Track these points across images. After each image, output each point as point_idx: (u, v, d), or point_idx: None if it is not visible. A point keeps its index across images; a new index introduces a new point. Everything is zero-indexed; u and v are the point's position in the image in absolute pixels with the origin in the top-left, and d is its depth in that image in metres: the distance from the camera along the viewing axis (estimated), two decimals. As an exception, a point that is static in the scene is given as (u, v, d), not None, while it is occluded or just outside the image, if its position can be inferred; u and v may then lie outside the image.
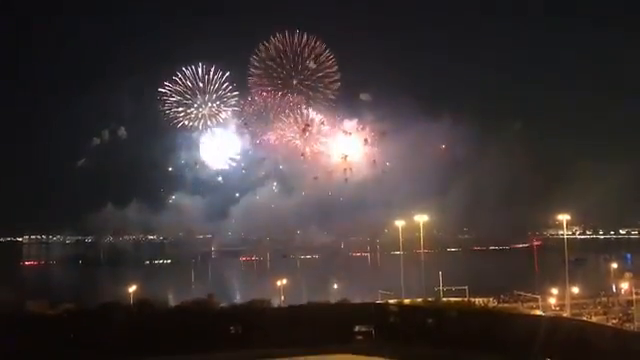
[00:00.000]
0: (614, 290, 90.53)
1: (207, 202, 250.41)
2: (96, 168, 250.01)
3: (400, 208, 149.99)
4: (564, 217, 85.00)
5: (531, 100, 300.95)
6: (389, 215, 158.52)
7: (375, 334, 69.77)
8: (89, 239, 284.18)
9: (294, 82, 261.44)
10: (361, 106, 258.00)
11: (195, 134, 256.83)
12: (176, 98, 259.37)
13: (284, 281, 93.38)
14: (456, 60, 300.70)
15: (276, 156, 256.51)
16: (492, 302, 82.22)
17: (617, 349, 53.09)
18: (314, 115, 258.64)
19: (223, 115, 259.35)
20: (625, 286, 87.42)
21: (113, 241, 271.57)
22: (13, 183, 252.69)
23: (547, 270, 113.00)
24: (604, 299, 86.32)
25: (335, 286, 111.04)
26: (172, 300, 79.86)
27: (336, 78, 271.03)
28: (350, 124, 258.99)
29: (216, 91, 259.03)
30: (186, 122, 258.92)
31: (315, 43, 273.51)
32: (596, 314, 75.48)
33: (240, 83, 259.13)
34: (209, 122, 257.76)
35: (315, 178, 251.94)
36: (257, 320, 67.85)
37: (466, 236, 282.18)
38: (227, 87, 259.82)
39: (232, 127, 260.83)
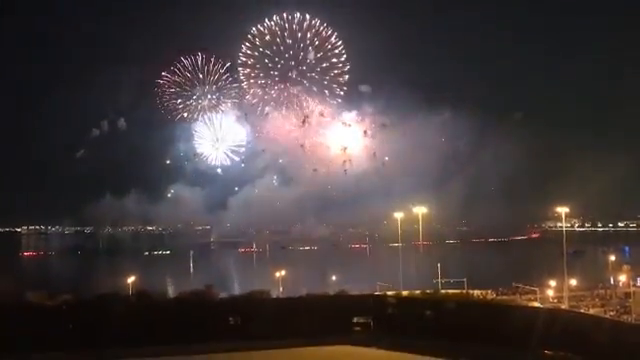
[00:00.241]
0: (612, 282, 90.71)
1: (206, 193, 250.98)
2: (95, 159, 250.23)
3: (399, 200, 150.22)
4: (563, 209, 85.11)
5: (531, 93, 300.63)
6: (388, 207, 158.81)
7: (373, 326, 69.96)
8: (88, 230, 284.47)
9: (293, 74, 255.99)
10: (361, 97, 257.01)
11: (194, 125, 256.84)
12: (175, 89, 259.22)
13: (283, 272, 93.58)
14: (456, 53, 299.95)
15: (275, 148, 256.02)
16: (490, 294, 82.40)
17: (614, 341, 53.29)
18: (314, 107, 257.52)
19: (222, 107, 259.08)
20: (623, 278, 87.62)
21: (112, 232, 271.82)
22: (12, 174, 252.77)
23: (545, 262, 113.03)
24: (602, 291, 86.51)
25: (334, 278, 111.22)
26: (171, 291, 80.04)
27: (344, 70, 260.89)
28: (350, 116, 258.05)
29: (215, 82, 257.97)
30: (185, 114, 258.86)
31: (319, 27, 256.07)
32: (594, 306, 75.70)
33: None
34: (208, 114, 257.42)
35: (314, 170, 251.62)
36: (256, 311, 67.97)
37: (464, 228, 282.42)
38: (227, 78, 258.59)
39: (232, 119, 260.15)
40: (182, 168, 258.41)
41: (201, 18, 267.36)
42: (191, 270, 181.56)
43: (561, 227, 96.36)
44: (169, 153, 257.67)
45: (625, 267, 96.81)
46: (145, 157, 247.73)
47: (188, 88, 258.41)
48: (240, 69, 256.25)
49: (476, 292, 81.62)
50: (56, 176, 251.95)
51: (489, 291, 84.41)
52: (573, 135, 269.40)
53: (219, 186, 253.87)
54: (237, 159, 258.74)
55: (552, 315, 62.66)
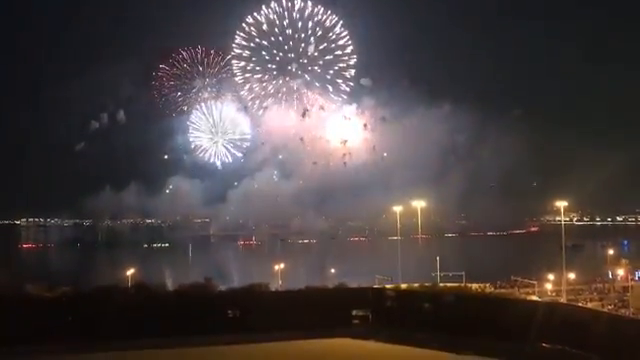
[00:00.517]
0: (610, 276, 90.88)
1: (205, 186, 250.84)
2: (95, 152, 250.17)
3: (398, 193, 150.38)
4: (562, 203, 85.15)
5: (531, 87, 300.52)
6: (387, 200, 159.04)
7: (372, 319, 70.15)
8: (87, 222, 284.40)
9: (293, 67, 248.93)
10: (361, 91, 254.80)
11: (193, 118, 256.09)
12: (174, 82, 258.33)
13: (282, 265, 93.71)
14: (456, 48, 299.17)
15: (275, 141, 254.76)
16: (489, 288, 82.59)
17: (612, 335, 53.45)
18: (314, 100, 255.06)
19: (222, 100, 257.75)
20: (621, 272, 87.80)
21: (111, 224, 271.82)
22: (12, 167, 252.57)
23: (544, 256, 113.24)
24: (600, 285, 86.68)
25: (332, 270, 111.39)
26: (170, 283, 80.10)
27: (349, 63, 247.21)
28: (350, 109, 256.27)
29: (215, 75, 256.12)
30: (185, 107, 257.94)
31: (322, 16, 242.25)
32: (592, 300, 75.86)
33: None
34: (206, 107, 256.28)
35: (314, 163, 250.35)
36: (255, 304, 68.10)
37: (463, 222, 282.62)
38: (227, 70, 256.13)
39: (232, 112, 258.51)
40: (181, 161, 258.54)
41: (201, 10, 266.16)
42: (190, 263, 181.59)
43: (560, 221, 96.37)
44: (168, 146, 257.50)
45: (623, 261, 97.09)
46: (144, 150, 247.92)
47: (187, 81, 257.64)
48: (234, 62, 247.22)
49: (474, 285, 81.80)
50: (55, 169, 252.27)
51: (487, 284, 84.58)
52: (572, 130, 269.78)
53: (218, 179, 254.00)
54: (239, 154, 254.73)
55: (550, 309, 62.79)
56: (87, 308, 64.53)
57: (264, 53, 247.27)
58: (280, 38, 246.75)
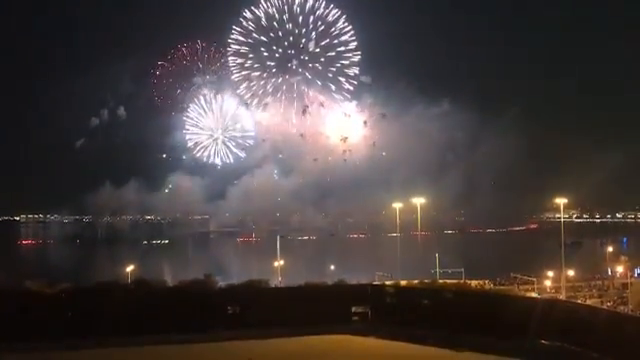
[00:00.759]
0: (609, 273, 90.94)
1: (205, 183, 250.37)
2: (95, 148, 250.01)
3: (398, 190, 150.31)
4: (561, 200, 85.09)
5: (530, 84, 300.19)
6: (387, 197, 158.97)
7: (371, 315, 70.25)
8: (87, 219, 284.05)
9: (293, 64, 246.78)
10: (361, 88, 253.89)
11: (192, 115, 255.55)
12: (174, 79, 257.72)
13: (281, 262, 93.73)
14: (455, 44, 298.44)
15: (275, 138, 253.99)
16: (488, 284, 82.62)
17: (611, 331, 53.54)
18: (315, 97, 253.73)
19: (222, 96, 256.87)
20: (620, 269, 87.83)
21: (111, 221, 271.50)
22: (12, 163, 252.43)
23: (543, 253, 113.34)
24: (599, 282, 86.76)
25: (332, 267, 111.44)
26: (170, 280, 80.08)
27: (353, 60, 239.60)
28: (350, 106, 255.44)
29: (215, 71, 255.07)
30: (184, 104, 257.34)
31: (324, 10, 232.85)
32: (591, 297, 75.91)
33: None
34: (207, 103, 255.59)
35: (315, 160, 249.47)
36: (255, 300, 68.20)
37: (463, 219, 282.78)
38: (227, 66, 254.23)
39: (232, 108, 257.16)
40: (181, 158, 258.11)
41: (202, 4, 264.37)
42: (190, 259, 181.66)
43: (559, 218, 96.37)
44: (167, 145, 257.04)
45: (623, 258, 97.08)
46: (144, 146, 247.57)
47: (187, 77, 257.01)
48: (231, 59, 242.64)
49: (474, 282, 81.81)
50: (56, 165, 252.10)
51: (487, 281, 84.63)
52: (572, 126, 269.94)
53: (218, 176, 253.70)
54: (242, 155, 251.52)
55: (549, 305, 62.91)
56: (87, 304, 64.64)
57: (263, 49, 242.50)
58: (280, 34, 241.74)
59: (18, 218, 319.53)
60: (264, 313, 66.04)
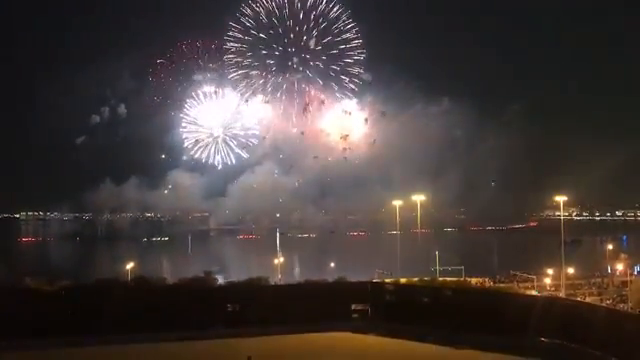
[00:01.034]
0: (609, 271, 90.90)
1: (205, 180, 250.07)
2: (95, 146, 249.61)
3: (398, 188, 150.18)
4: (561, 198, 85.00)
5: (530, 82, 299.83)
6: (387, 194, 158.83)
7: (371, 313, 70.32)
8: (87, 216, 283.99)
9: (294, 63, 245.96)
10: (362, 85, 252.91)
11: (192, 113, 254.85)
12: (175, 76, 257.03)
13: (281, 259, 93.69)
14: (456, 42, 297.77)
15: (275, 135, 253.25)
16: (488, 282, 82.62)
17: (610, 329, 53.61)
18: (315, 95, 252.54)
19: (222, 93, 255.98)
20: (620, 267, 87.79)
21: (111, 218, 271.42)
22: (12, 160, 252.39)
23: (543, 251, 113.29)
24: (598, 280, 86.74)
25: (332, 264, 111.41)
26: (170, 277, 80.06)
27: (358, 58, 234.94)
28: (350, 103, 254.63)
29: (216, 69, 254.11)
30: (184, 102, 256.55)
31: (326, 6, 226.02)
32: (590, 295, 75.92)
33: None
34: (207, 101, 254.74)
35: (315, 157, 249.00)
36: (255, 298, 68.25)
37: (462, 216, 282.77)
38: (227, 64, 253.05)
39: (233, 105, 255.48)
40: (181, 156, 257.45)
41: (201, 1, 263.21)
42: (189, 257, 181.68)
43: (559, 216, 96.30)
44: (167, 144, 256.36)
45: (623, 256, 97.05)
46: (145, 144, 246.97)
47: (187, 75, 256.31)
48: (228, 57, 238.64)
49: (474, 280, 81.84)
50: (56, 162, 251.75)
51: (486, 279, 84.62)
52: (572, 125, 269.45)
53: (218, 173, 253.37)
54: (245, 155, 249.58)
55: (549, 303, 62.99)
56: (87, 302, 64.70)
57: (261, 47, 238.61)
58: (280, 30, 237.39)
59: (18, 215, 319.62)
60: (264, 310, 66.13)
